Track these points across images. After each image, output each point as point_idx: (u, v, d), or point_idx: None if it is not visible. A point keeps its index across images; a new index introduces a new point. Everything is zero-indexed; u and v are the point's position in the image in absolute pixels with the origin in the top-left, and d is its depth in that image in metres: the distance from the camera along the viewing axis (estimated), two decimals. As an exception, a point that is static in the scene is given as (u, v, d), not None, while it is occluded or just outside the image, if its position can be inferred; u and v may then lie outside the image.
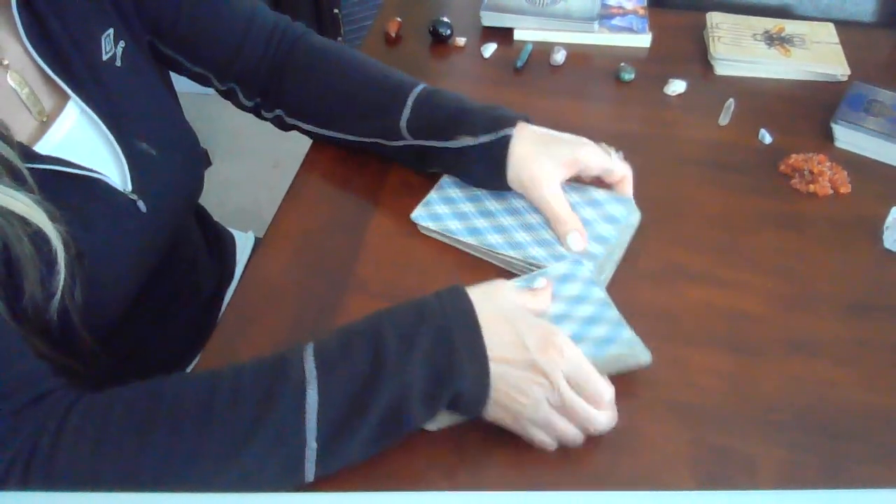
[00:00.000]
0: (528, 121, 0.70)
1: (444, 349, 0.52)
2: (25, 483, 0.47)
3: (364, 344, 0.52)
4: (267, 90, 0.79)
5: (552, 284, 0.62)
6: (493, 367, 0.52)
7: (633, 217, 0.70)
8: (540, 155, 0.68)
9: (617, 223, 0.68)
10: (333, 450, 0.51)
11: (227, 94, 0.81)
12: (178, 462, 0.49)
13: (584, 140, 0.69)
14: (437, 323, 0.53)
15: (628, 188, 0.71)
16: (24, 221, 0.54)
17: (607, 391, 0.55)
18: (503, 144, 0.68)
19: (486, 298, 0.55)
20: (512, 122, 0.69)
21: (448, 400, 0.52)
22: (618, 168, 0.70)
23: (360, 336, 0.53)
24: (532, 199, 0.69)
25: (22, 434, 0.48)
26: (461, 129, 0.70)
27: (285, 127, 0.82)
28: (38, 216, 0.55)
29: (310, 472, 0.51)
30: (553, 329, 0.54)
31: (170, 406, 0.50)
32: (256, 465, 0.50)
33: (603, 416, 0.55)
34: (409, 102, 0.72)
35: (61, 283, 0.57)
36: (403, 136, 0.73)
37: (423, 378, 0.51)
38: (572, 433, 0.54)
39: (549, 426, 0.54)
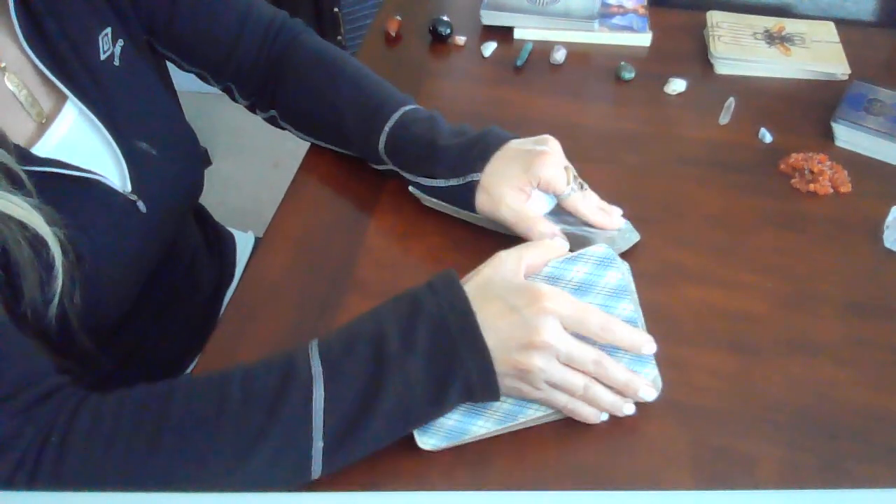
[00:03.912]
0: (498, 141, 0.67)
1: (444, 346, 0.51)
2: (32, 484, 0.47)
3: (366, 343, 0.52)
4: (260, 91, 0.79)
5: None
6: (495, 352, 0.51)
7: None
8: (499, 182, 0.65)
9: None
10: (339, 448, 0.51)
11: (225, 91, 0.81)
12: (188, 465, 0.49)
13: (542, 149, 0.65)
14: (434, 319, 0.52)
15: (598, 216, 0.66)
16: (22, 226, 0.54)
17: (620, 325, 0.53)
18: (470, 188, 0.67)
19: (478, 283, 0.54)
20: (478, 165, 0.66)
21: (458, 395, 0.52)
22: (569, 198, 0.65)
23: (362, 336, 0.53)
24: (499, 220, 0.67)
25: (29, 434, 0.48)
26: (432, 168, 0.69)
27: (280, 126, 0.82)
28: (35, 220, 0.55)
29: (316, 471, 0.51)
30: (540, 286, 0.52)
31: (180, 409, 0.50)
32: (265, 466, 0.50)
33: (614, 363, 0.53)
34: (387, 129, 0.71)
35: (59, 286, 0.57)
36: (384, 161, 0.73)
37: (426, 378, 0.51)
38: (596, 392, 0.54)
39: (567, 385, 0.53)
